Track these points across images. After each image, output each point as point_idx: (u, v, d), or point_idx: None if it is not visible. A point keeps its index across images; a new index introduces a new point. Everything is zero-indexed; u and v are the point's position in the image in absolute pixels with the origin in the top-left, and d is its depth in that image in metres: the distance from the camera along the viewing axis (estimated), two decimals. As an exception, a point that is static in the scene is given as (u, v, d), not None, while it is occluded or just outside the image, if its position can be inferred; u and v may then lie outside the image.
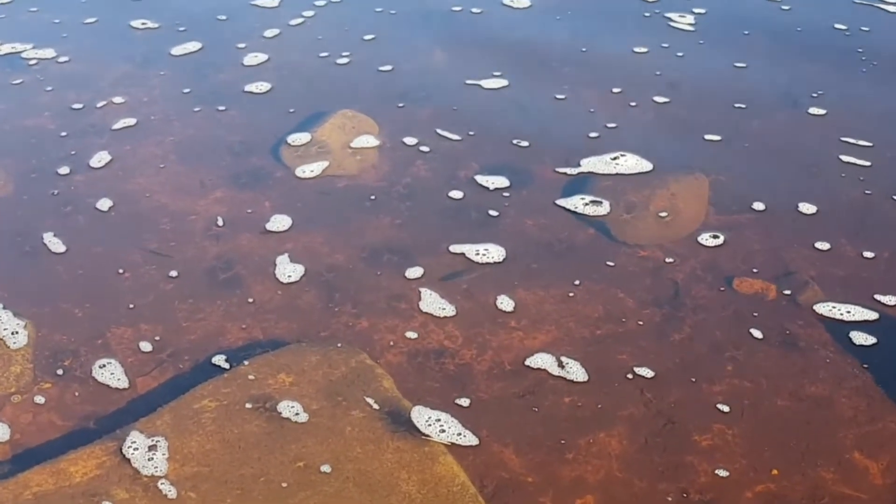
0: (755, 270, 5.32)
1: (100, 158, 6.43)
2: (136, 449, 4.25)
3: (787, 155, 6.32)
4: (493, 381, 4.71)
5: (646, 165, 6.15)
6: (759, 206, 5.80)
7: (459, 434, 4.40)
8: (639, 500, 4.14)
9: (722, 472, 4.20)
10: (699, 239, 5.56)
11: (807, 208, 5.79)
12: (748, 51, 7.55)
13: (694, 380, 4.67)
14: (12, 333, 5.02)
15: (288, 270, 5.43)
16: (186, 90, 7.25)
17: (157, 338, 5.03)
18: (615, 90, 7.06)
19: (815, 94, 6.91)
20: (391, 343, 4.95)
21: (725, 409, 4.50)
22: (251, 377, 4.65)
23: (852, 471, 4.25)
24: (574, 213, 5.81)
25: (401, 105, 6.98)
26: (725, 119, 6.68)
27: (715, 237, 5.55)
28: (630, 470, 4.24)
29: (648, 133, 6.57)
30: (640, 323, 5.00)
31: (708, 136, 6.45)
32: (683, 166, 6.18)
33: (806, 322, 5.00)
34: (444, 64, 7.60)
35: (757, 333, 4.92)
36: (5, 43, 7.86)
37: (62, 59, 7.69)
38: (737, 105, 6.81)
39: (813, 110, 6.73)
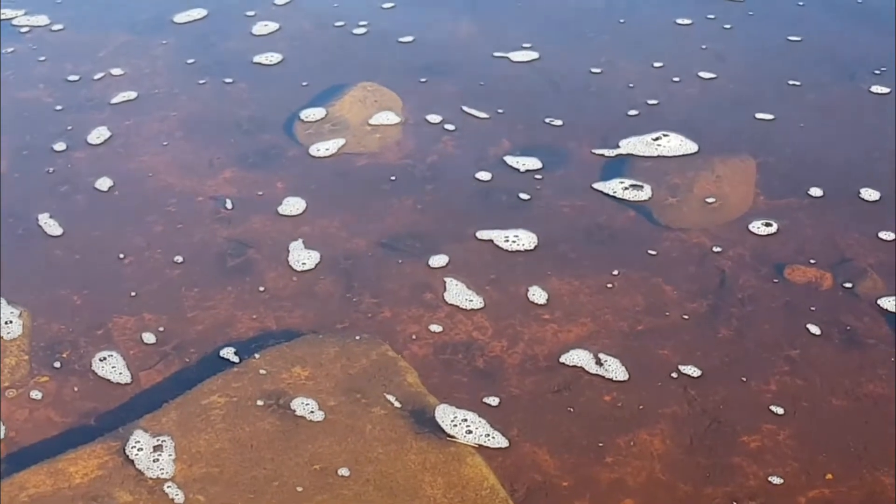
0: (812, 261, 5.34)
1: (98, 134, 6.52)
2: (140, 449, 4.30)
3: (846, 136, 6.36)
4: (525, 376, 4.77)
5: (690, 146, 6.19)
6: (815, 191, 5.82)
7: (488, 435, 4.45)
8: (682, 506, 4.23)
9: (772, 476, 4.23)
10: (747, 225, 5.60)
11: (869, 194, 5.82)
12: (803, 23, 7.59)
13: (741, 377, 4.70)
14: (6, 323, 5.09)
15: (302, 257, 5.50)
16: (191, 61, 7.34)
17: (162, 328, 5.10)
18: (657, 64, 7.10)
19: (877, 71, 6.94)
20: (414, 335, 5.01)
21: (775, 408, 4.54)
22: (263, 371, 4.71)
23: (913, 476, 4.33)
24: (612, 197, 5.85)
25: (423, 79, 7.04)
26: (778, 97, 6.71)
27: (766, 223, 5.58)
28: (673, 472, 4.28)
29: (693, 111, 6.61)
30: (685, 316, 5.04)
31: (759, 115, 6.48)
32: (732, 148, 6.22)
33: (865, 315, 5.03)
34: (469, 35, 7.66)
35: (811, 327, 4.95)
36: (-6, 9, 7.98)
37: (56, 26, 7.79)
38: (790, 82, 6.85)
39: (875, 88, 6.77)
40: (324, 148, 6.31)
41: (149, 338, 5.02)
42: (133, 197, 6.00)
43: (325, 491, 4.15)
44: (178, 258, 5.50)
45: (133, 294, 5.29)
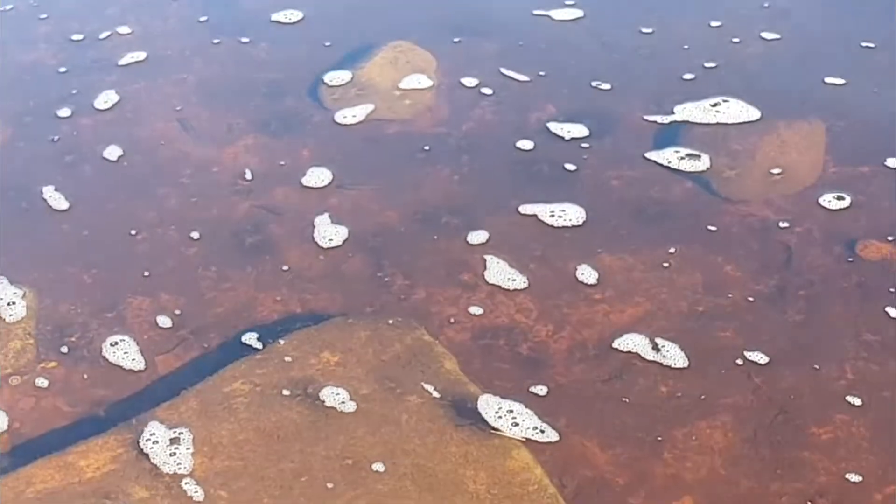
0: (889, 237, 5.32)
1: (106, 99, 6.57)
2: (156, 441, 4.33)
3: (924, 102, 6.35)
4: (574, 364, 4.78)
5: (752, 113, 6.18)
6: (892, 161, 5.79)
7: (536, 428, 4.46)
8: (747, 503, 4.20)
9: (846, 471, 4.23)
10: (815, 196, 5.59)
11: (950, 166, 5.84)
12: (875, -24, 7.58)
13: (812, 363, 4.70)
14: (9, 304, 5.14)
15: (329, 233, 5.52)
16: (204, 19, 7.37)
17: (178, 311, 5.14)
18: (714, 23, 7.08)
19: (958, 30, 6.94)
20: (452, 319, 5.03)
21: (850, 398, 4.53)
22: (288, 358, 4.74)
23: None
24: (667, 167, 5.85)
25: (457, 40, 7.05)
26: (849, 59, 6.68)
27: (837, 196, 5.57)
28: (737, 467, 4.29)
29: (755, 75, 6.60)
30: (749, 297, 5.04)
31: (828, 79, 6.46)
32: (798, 115, 6.20)
33: (948, 296, 5.06)
34: (506, -10, 7.67)
35: (889, 309, 4.93)
36: (-10, -38, 8.01)
37: (59, -18, 7.85)
38: (864, 43, 6.82)
39: (956, 49, 6.77)
40: (351, 114, 6.32)
41: (164, 321, 5.06)
42: (144, 167, 6.05)
43: (357, 486, 4.17)
44: (195, 234, 5.54)
45: (146, 273, 5.33)
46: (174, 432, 4.37)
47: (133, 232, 5.56)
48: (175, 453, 4.29)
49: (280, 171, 5.95)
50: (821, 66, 6.53)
